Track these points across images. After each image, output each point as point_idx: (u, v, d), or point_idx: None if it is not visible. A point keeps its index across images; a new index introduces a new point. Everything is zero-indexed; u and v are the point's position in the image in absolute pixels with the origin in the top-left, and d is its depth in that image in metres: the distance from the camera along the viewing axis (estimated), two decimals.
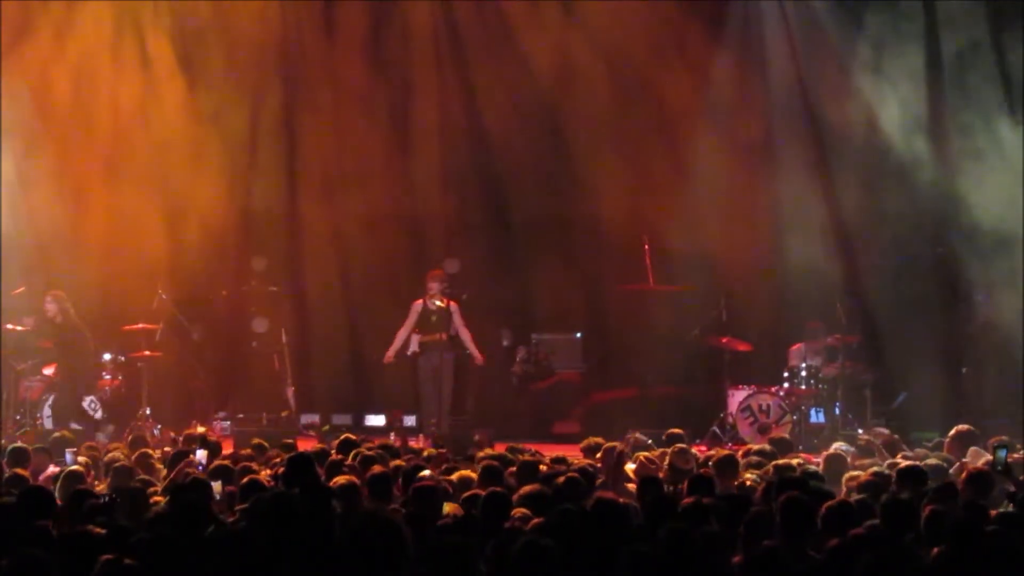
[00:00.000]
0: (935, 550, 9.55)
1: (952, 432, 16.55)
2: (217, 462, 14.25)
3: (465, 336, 22.06)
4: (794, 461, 15.21)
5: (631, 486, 13.79)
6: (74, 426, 20.38)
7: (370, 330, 23.05)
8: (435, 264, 23.01)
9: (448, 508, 11.29)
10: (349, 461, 14.07)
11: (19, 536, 9.65)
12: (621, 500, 11.64)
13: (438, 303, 21.91)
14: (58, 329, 21.75)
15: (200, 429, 18.79)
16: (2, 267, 22.06)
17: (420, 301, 22.03)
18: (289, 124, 24.11)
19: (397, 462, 14.15)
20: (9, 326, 21.89)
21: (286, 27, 23.90)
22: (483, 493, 11.53)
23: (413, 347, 22.20)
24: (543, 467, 13.93)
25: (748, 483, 13.24)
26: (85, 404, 21.44)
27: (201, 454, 14.92)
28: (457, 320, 21.95)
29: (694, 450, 16.44)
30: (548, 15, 23.59)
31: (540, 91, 23.96)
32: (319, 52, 24.07)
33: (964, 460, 14.93)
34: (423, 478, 12.42)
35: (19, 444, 16.37)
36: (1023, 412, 19.51)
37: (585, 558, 9.33)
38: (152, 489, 13.22)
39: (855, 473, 13.93)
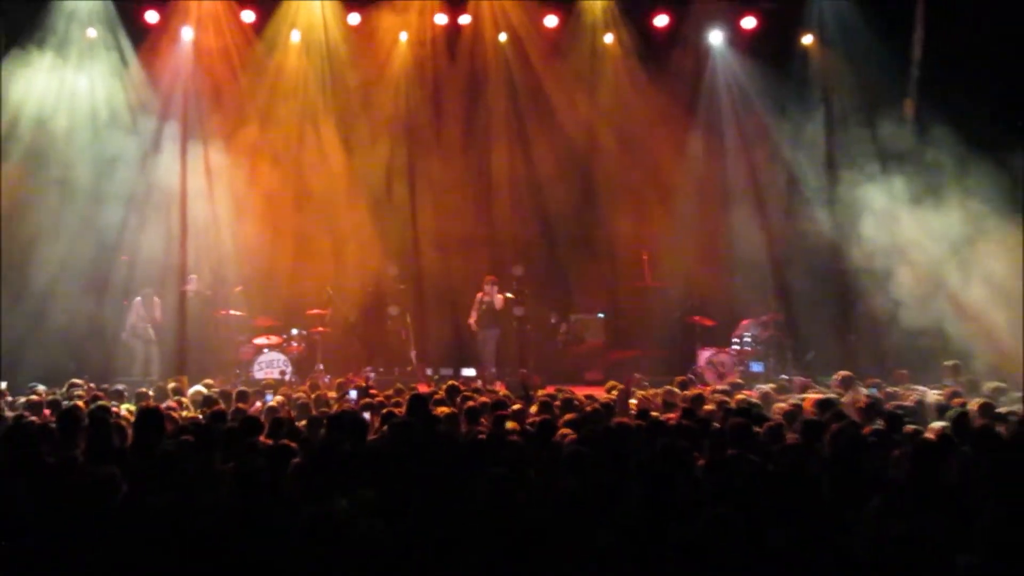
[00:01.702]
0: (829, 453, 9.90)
1: (839, 376, 16.86)
2: (366, 400, 14.73)
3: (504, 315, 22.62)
4: (739, 396, 15.56)
5: (634, 413, 14.12)
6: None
7: (465, 313, 23.04)
8: (497, 270, 23.21)
9: (510, 424, 11.51)
10: (457, 400, 14.38)
11: (241, 448, 10.17)
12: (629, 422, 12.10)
13: (487, 298, 22.34)
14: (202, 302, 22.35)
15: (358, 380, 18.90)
16: (226, 276, 22.78)
17: (480, 294, 22.40)
18: (411, 175, 24.14)
19: (483, 399, 14.32)
20: (233, 312, 22.43)
21: (409, 110, 24.03)
22: (539, 419, 11.77)
23: (473, 325, 22.60)
24: (577, 402, 14.07)
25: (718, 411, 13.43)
26: (281, 363, 21.79)
27: (353, 393, 15.35)
28: (498, 306, 22.31)
29: (677, 391, 16.72)
30: (580, 103, 23.77)
31: (574, 153, 24.04)
32: (430, 126, 24.14)
33: (847, 394, 15.32)
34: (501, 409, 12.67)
35: (242, 388, 16.80)
36: (884, 364, 19.75)
37: (607, 460, 9.56)
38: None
39: (780, 404, 14.26)
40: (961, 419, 11.39)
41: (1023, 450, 9.85)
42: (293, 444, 9.93)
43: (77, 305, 21.23)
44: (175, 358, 21.75)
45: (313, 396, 15.63)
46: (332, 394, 16.28)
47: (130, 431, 11.44)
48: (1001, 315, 19.40)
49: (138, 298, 21.84)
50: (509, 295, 22.48)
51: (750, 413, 12.36)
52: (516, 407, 13.27)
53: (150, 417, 10.59)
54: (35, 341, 20.38)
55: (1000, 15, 19.63)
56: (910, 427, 11.53)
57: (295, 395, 15.85)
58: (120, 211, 22.04)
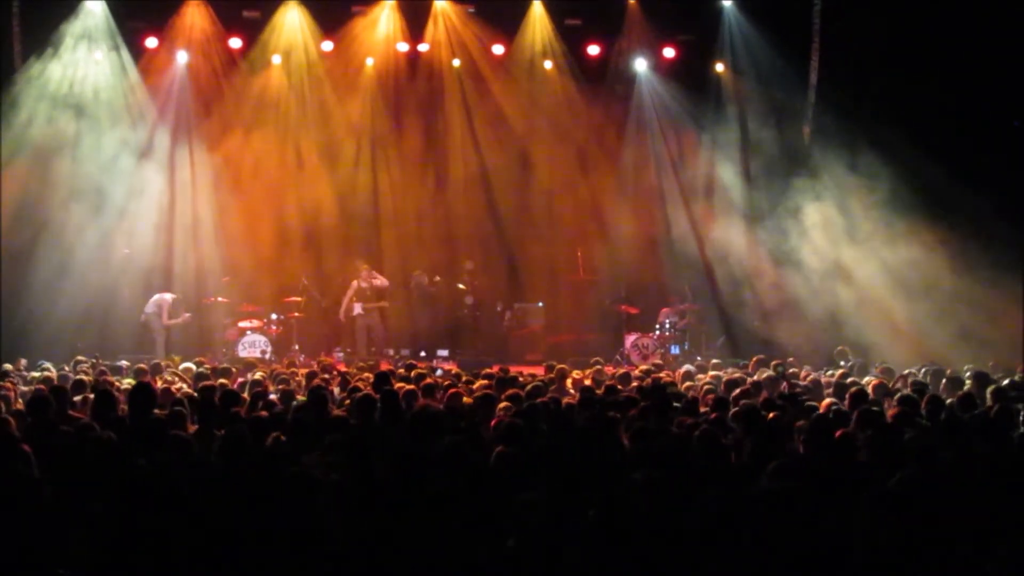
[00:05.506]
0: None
1: (752, 359, 17.24)
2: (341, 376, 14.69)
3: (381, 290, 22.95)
4: (661, 375, 15.67)
5: (571, 390, 14.17)
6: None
7: (423, 303, 23.17)
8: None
9: (466, 399, 11.54)
10: (412, 375, 14.37)
11: (222, 417, 10.09)
12: (564, 399, 12.12)
13: (364, 284, 22.59)
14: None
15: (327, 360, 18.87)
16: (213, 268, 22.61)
17: (355, 282, 22.72)
18: (375, 177, 23.94)
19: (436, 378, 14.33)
20: (219, 299, 22.28)
21: (374, 120, 23.81)
22: (483, 394, 11.76)
23: (358, 310, 22.64)
24: (519, 379, 14.04)
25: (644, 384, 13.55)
26: (262, 343, 21.70)
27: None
28: (380, 284, 22.75)
29: (606, 370, 16.83)
30: (522, 106, 23.67)
31: (519, 163, 23.99)
32: (392, 133, 23.92)
33: (757, 374, 15.46)
34: (454, 388, 12.67)
35: (225, 365, 16.76)
36: (784, 349, 19.66)
37: (541, 429, 9.61)
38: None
39: (692, 383, 14.36)
40: (859, 395, 11.57)
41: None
42: (267, 414, 9.94)
43: (81, 291, 20.86)
44: (168, 339, 21.57)
45: (288, 372, 15.62)
46: (303, 372, 16.15)
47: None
48: (898, 305, 19.80)
49: (170, 296, 21.58)
50: (364, 284, 22.68)
51: (670, 391, 12.47)
52: (464, 380, 13.34)
53: (142, 391, 10.56)
54: (45, 322, 20.22)
55: (886, 43, 20.15)
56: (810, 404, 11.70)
57: (275, 371, 15.92)
58: (119, 207, 21.77)
